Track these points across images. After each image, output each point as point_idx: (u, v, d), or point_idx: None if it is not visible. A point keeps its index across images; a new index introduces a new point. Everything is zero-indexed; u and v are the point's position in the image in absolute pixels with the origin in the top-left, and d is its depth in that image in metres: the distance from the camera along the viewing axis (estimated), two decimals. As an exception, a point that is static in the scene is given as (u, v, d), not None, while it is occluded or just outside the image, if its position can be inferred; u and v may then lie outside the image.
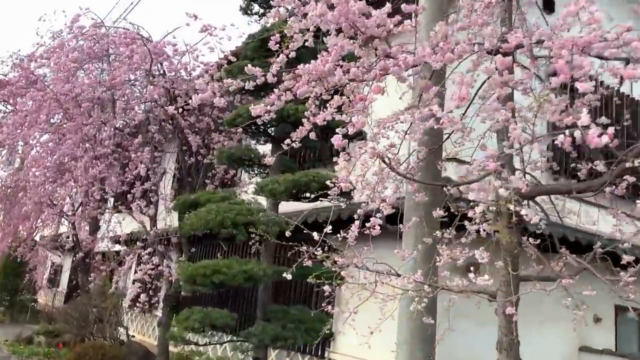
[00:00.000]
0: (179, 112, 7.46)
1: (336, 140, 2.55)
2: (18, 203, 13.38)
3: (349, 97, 2.96)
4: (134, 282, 10.82)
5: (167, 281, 7.49)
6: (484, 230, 3.09)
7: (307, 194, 5.09)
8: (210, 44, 7.12)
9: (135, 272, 10.60)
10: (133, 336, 10.73)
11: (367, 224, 3.47)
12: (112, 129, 7.12)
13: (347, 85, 3.27)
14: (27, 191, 12.70)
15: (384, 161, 3.29)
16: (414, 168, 3.73)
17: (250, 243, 7.35)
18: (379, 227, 3.26)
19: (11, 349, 11.38)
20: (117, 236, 11.66)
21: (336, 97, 3.06)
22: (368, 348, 5.92)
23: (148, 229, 8.06)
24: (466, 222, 3.30)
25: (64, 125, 7.22)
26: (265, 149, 6.31)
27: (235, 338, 5.32)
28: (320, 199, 5.17)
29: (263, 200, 5.99)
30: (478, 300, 3.44)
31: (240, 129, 5.93)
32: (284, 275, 4.39)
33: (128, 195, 7.96)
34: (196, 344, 5.23)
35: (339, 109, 3.06)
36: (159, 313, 10.71)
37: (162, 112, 7.17)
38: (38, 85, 7.27)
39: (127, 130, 8.10)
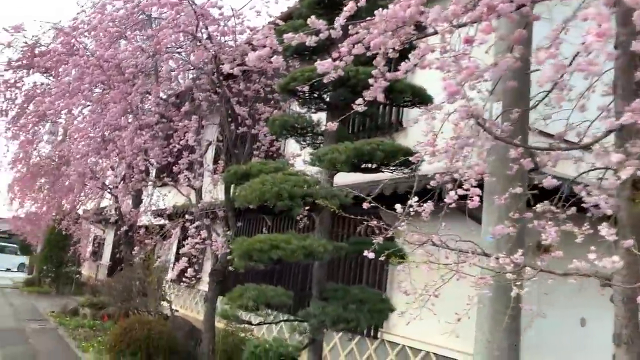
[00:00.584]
0: (225, 79, 7.09)
1: (449, 86, 2.08)
2: (62, 176, 13.43)
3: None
4: (178, 256, 10.67)
5: (213, 255, 7.23)
6: (606, 203, 2.60)
7: (369, 164, 4.70)
8: (257, 7, 6.70)
9: (179, 246, 10.46)
10: (176, 310, 10.63)
11: (447, 197, 3.05)
12: (156, 98, 6.81)
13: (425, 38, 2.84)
14: (71, 163, 12.71)
15: (478, 123, 2.83)
16: (504, 131, 3.24)
17: (298, 218, 7.04)
18: (477, 199, 2.81)
19: (58, 321, 11.48)
20: (161, 209, 11.52)
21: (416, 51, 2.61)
22: (427, 331, 5.56)
23: (194, 201, 7.80)
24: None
25: (108, 94, 6.94)
26: (315, 117, 5.89)
27: (291, 318, 5.00)
28: (382, 169, 4.75)
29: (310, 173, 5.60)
30: (580, 284, 2.98)
31: (284, 98, 5.54)
32: (345, 251, 4.02)
33: (174, 167, 7.69)
34: (249, 323, 4.92)
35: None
36: (202, 287, 10.56)
37: (208, 80, 6.80)
38: (80, 53, 7.01)
39: (171, 100, 7.80)
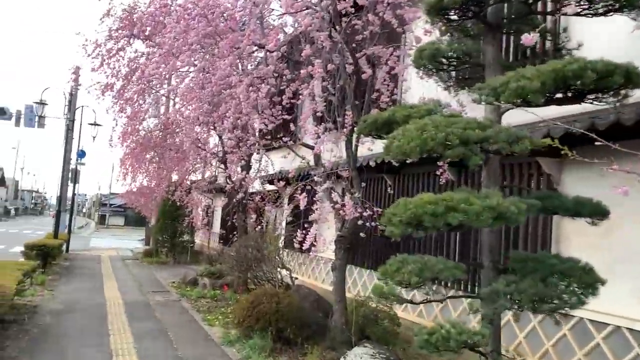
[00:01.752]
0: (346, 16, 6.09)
1: None
2: (170, 147, 13.30)
3: None
4: (294, 221, 10.09)
5: (340, 220, 6.42)
6: None
7: (567, 93, 3.54)
8: None
9: (294, 211, 9.81)
10: (296, 278, 10.13)
11: None
12: (269, 46, 5.95)
13: None
14: (178, 133, 12.48)
15: None
16: None
17: (438, 173, 6.00)
18: None
19: (179, 292, 11.44)
20: (276, 174, 10.94)
21: None
22: (617, 299, 4.37)
23: (312, 163, 7.01)
24: None
25: (217, 46, 6.21)
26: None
27: (460, 294, 4.02)
28: (585, 98, 3.55)
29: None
30: None
31: (432, 20, 4.41)
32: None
33: (290, 125, 6.91)
34: (411, 302, 4.03)
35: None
36: (324, 255, 9.89)
37: (324, 19, 5.83)
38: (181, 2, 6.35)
39: (283, 49, 6.96)
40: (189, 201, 14.26)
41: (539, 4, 5.16)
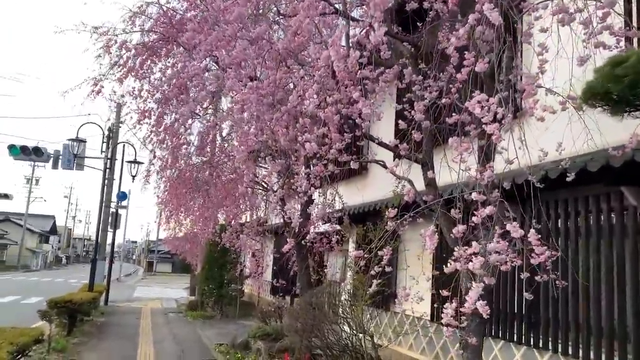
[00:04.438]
0: None
1: None
2: (217, 180, 11.36)
3: None
4: (383, 270, 7.74)
5: (487, 267, 4.03)
6: None
7: None
8: None
9: (368, 256, 7.48)
10: (379, 345, 7.73)
11: None
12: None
13: None
14: (229, 162, 10.55)
15: None
16: None
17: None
18: None
19: (226, 358, 9.20)
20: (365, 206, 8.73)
21: None
22: None
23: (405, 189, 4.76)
24: None
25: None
26: None
27: None
28: None
29: None
30: None
31: None
32: None
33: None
34: None
35: None
36: (417, 309, 7.43)
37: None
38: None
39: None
40: (238, 245, 12.16)
41: None
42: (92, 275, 14.72)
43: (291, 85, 4.76)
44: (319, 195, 9.21)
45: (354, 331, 7.45)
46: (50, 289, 24.23)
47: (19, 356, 5.97)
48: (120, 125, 17.52)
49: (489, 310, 3.08)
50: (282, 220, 10.90)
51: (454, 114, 3.74)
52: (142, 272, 61.80)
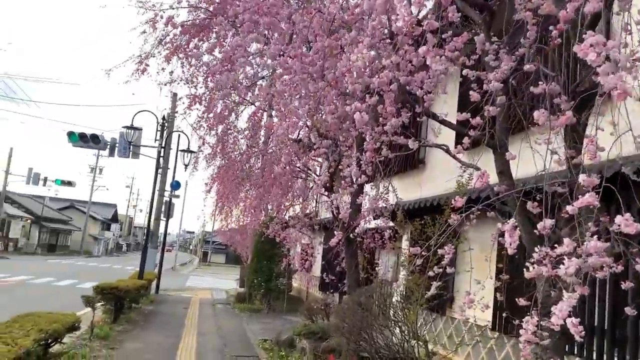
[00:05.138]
0: None
1: None
2: (266, 169, 10.93)
3: None
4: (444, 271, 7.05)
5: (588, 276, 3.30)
6: None
7: None
8: None
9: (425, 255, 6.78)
10: (434, 353, 7.05)
11: None
12: None
13: None
14: (278, 149, 10.10)
15: None
16: None
17: None
18: None
19: (269, 356, 8.75)
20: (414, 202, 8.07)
21: None
22: None
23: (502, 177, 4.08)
24: None
25: None
26: None
27: None
28: None
29: None
30: None
31: None
32: None
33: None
34: None
35: None
36: (480, 316, 6.69)
37: None
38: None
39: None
40: (286, 238, 11.70)
41: None
42: (143, 263, 14.70)
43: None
44: (371, 188, 8.59)
45: (406, 336, 6.80)
46: (107, 274, 24.81)
47: (52, 343, 5.70)
48: (176, 115, 17.53)
49: (582, 332, 2.37)
50: (331, 215, 10.35)
51: (539, 82, 3.02)
52: (197, 262, 63.03)
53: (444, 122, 4.26)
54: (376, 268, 10.57)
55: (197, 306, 15.90)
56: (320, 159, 9.06)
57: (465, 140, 3.81)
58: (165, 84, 8.52)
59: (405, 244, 9.97)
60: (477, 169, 4.30)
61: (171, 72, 7.63)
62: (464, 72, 4.19)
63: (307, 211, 12.26)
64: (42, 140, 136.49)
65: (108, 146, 18.22)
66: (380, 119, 4.07)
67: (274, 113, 10.19)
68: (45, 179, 40.72)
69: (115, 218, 73.92)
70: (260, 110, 10.05)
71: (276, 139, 6.57)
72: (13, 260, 32.49)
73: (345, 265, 9.48)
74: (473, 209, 4.07)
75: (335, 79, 3.65)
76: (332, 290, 13.83)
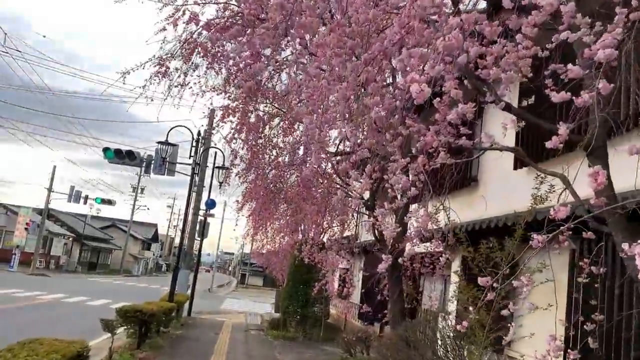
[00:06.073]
0: None
1: None
2: (302, 188, 10.14)
3: None
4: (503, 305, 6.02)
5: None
6: None
7: None
8: None
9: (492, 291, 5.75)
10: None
11: None
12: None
13: None
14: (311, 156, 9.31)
15: None
16: None
17: None
18: None
19: (304, 394, 7.80)
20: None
21: None
22: None
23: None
24: None
25: None
26: None
27: None
28: None
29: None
30: None
31: None
32: None
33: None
34: None
35: None
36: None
37: None
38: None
39: None
40: (322, 261, 10.81)
41: None
42: (173, 284, 14.05)
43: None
44: (419, 206, 7.65)
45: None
46: (142, 294, 24.37)
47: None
48: (213, 132, 17.03)
49: None
50: (372, 237, 9.45)
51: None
52: (235, 284, 62.56)
53: (520, 116, 3.35)
54: (421, 297, 9.55)
55: (229, 331, 15.10)
56: (357, 171, 8.17)
57: (555, 139, 2.89)
58: (198, 94, 7.91)
59: (454, 269, 8.93)
60: (564, 177, 3.37)
61: (203, 91, 7.03)
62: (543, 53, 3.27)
63: (347, 233, 11.37)
64: (84, 160, 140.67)
65: (144, 163, 17.87)
66: (437, 114, 3.21)
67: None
68: (87, 197, 41.20)
69: (155, 238, 74.60)
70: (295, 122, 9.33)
71: (306, 133, 5.74)
72: (53, 278, 32.67)
73: (388, 292, 8.52)
74: (562, 227, 3.13)
75: (383, 49, 2.81)
76: (372, 321, 12.80)
